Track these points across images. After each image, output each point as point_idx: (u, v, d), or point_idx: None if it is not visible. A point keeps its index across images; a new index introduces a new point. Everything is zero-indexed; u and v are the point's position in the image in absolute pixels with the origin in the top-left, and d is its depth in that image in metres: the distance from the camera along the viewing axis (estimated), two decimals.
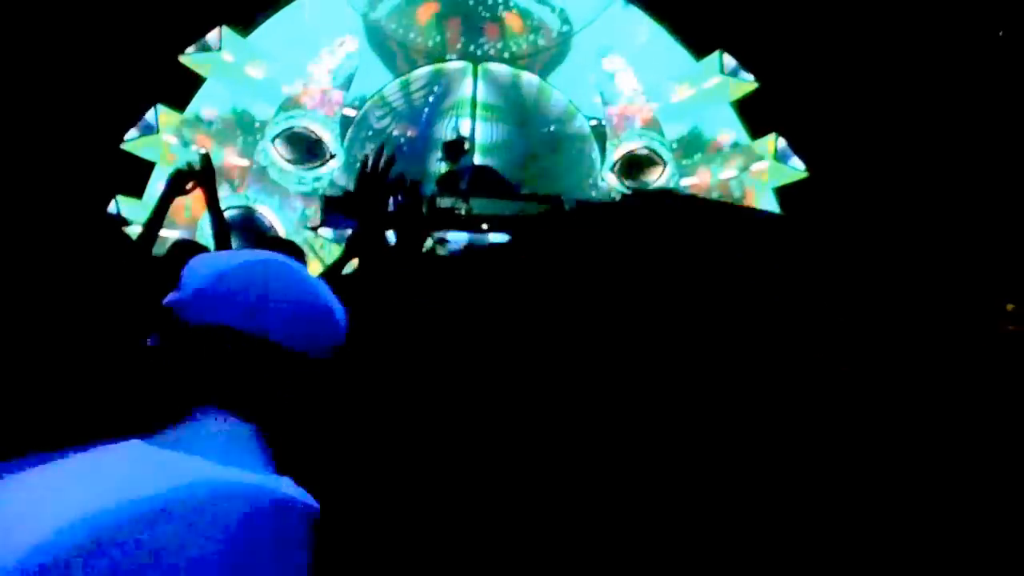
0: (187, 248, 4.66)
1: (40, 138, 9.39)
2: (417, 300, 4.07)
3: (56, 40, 9.51)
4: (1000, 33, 10.19)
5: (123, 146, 10.01)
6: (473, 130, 10.68)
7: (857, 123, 10.02)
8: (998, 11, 9.84)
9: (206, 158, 4.00)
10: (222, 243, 3.99)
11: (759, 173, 10.57)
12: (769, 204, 10.58)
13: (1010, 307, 3.61)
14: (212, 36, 10.18)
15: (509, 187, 10.04)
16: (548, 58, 11.11)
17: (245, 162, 10.42)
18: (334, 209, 9.66)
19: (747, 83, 10.57)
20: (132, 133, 10.05)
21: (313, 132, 10.45)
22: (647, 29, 10.91)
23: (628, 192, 10.35)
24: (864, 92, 10.09)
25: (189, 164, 3.98)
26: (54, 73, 9.48)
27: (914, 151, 10.03)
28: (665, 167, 10.61)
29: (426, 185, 10.51)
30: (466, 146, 9.98)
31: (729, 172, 10.68)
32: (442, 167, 10.20)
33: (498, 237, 9.22)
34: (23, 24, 9.39)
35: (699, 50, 10.73)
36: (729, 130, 10.80)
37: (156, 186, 9.99)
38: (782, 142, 10.48)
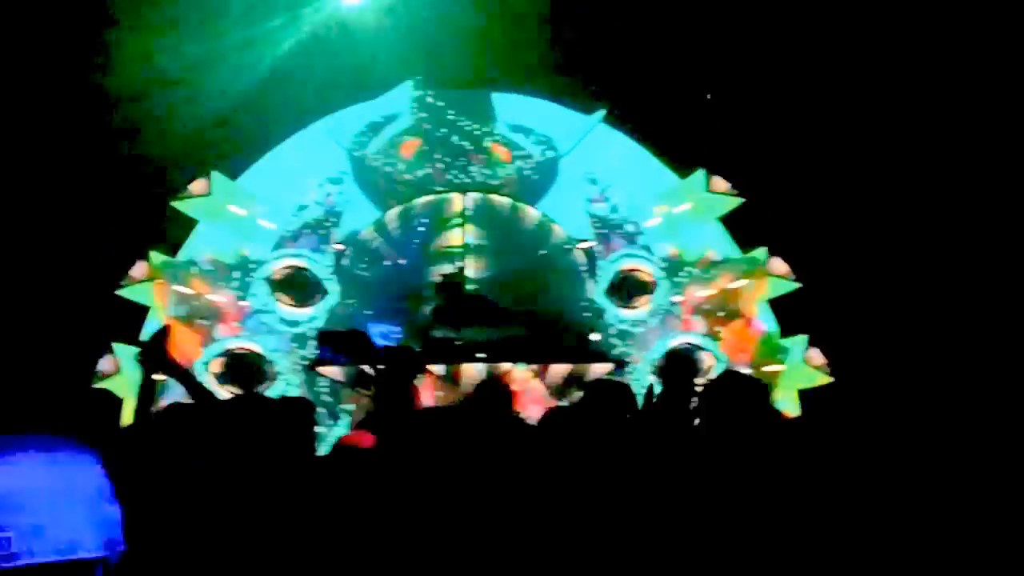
0: (180, 411, 4.70)
1: (36, 286, 9.41)
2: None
3: (50, 188, 9.58)
4: None
5: (119, 292, 9.97)
6: (465, 246, 10.71)
7: (846, 231, 10.15)
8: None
9: (151, 340, 4.28)
10: (201, 400, 4.11)
11: (751, 287, 10.62)
12: (764, 316, 10.65)
13: None
14: (202, 181, 10.23)
15: (504, 314, 10.05)
16: (534, 184, 11.19)
17: (240, 303, 10.38)
18: (329, 343, 9.62)
19: (732, 198, 10.69)
20: (127, 279, 10.01)
21: (305, 270, 10.46)
22: (630, 150, 11.04)
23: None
24: (851, 198, 10.23)
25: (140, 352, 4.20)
26: (48, 223, 9.53)
27: (902, 256, 10.15)
28: (657, 286, 10.66)
29: (420, 312, 10.52)
30: (462, 283, 10.02)
31: (719, 286, 10.72)
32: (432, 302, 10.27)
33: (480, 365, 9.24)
34: (20, 172, 9.46)
35: (682, 167, 10.87)
36: (717, 244, 10.87)
37: (150, 330, 9.98)
38: (775, 259, 10.56)
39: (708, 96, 10.81)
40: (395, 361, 4.87)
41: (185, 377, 4.20)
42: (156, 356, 4.16)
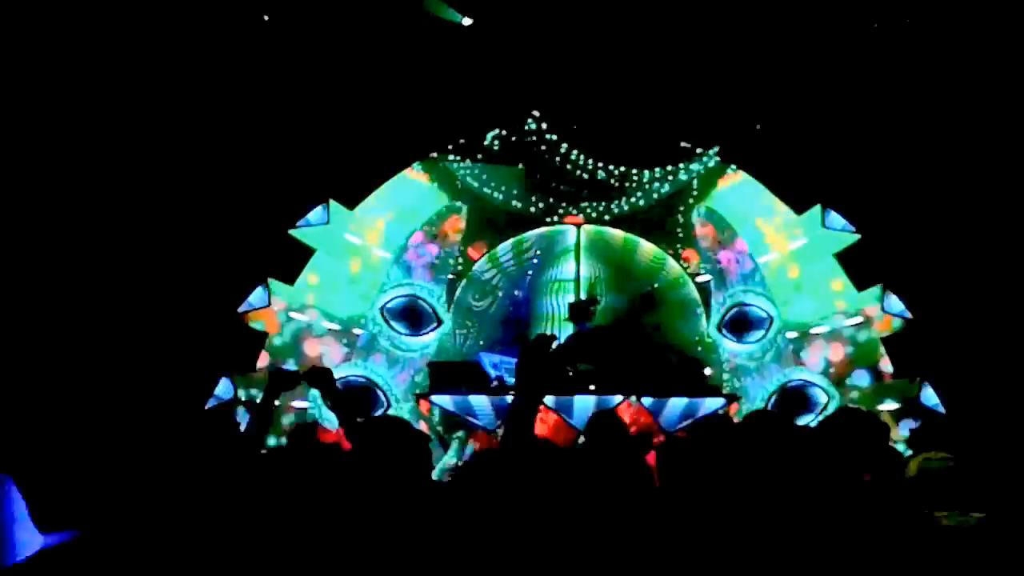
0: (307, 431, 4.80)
1: (154, 313, 9.62)
2: None
3: (166, 219, 9.78)
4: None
5: (238, 318, 10.17)
6: (578, 291, 10.73)
7: (960, 268, 9.95)
8: None
9: (314, 369, 4.36)
10: (349, 429, 4.12)
11: (868, 324, 10.48)
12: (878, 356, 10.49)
13: None
14: (319, 210, 10.40)
15: (618, 347, 10.00)
16: (650, 218, 11.19)
17: (356, 331, 10.53)
18: (442, 376, 9.69)
19: (849, 235, 10.55)
20: (245, 306, 10.20)
21: (420, 299, 10.58)
22: (747, 185, 10.97)
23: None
24: (959, 233, 10.04)
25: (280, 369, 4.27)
26: (164, 254, 9.73)
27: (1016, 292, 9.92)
28: (771, 322, 10.57)
29: (531, 332, 10.56)
30: (594, 307, 9.96)
31: (836, 323, 10.60)
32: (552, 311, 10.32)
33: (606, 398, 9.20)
34: (138, 203, 9.68)
35: (798, 204, 10.76)
36: (834, 281, 10.72)
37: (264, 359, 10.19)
38: (890, 295, 10.40)
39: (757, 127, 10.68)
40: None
41: (340, 402, 4.32)
42: (316, 376, 4.28)
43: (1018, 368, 9.56)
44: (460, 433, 9.80)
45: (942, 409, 10.14)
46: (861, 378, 10.52)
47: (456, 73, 10.23)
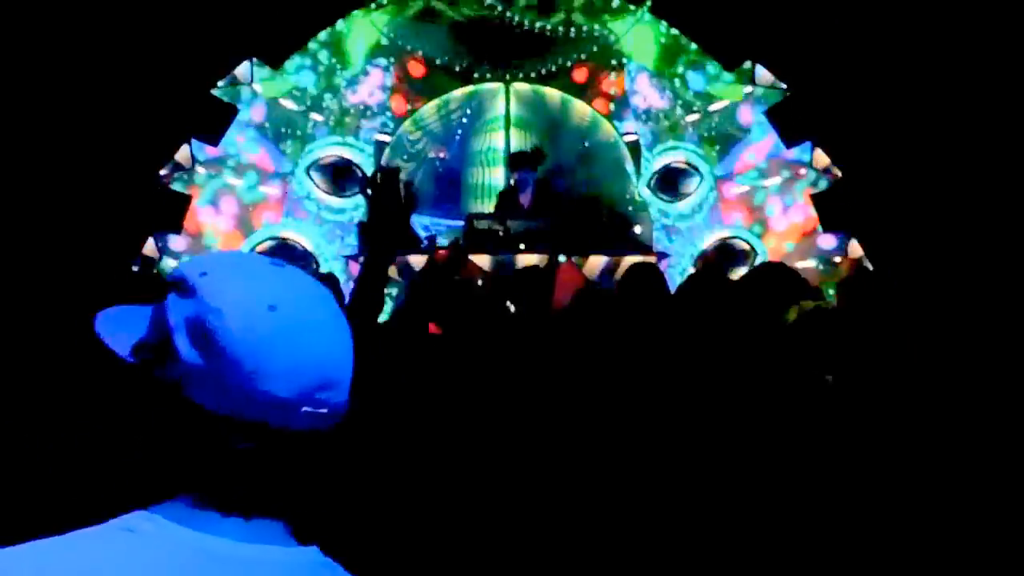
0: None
1: (74, 176, 9.43)
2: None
3: (86, 77, 9.54)
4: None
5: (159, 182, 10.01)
6: (507, 146, 10.67)
7: (891, 128, 9.97)
8: None
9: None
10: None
11: (796, 181, 10.53)
12: (804, 210, 10.54)
13: None
14: (243, 69, 10.18)
15: (565, 202, 9.96)
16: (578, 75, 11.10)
17: (279, 192, 10.41)
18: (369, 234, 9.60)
19: (779, 91, 10.52)
20: (166, 169, 10.04)
21: (347, 159, 10.45)
22: (676, 41, 10.86)
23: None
24: (896, 95, 10.04)
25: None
26: (84, 110, 9.51)
27: (945, 155, 9.97)
28: (702, 179, 10.58)
29: (462, 203, 10.53)
30: (540, 159, 9.85)
31: (767, 181, 10.63)
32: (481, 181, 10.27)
33: (529, 258, 9.19)
34: (54, 61, 9.42)
35: (728, 60, 10.67)
36: (764, 139, 10.72)
37: (193, 219, 10.06)
38: (819, 151, 10.42)
39: None
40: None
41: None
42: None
43: (942, 227, 9.70)
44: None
45: (868, 264, 10.28)
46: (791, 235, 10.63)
47: None
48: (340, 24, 10.61)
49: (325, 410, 1.21)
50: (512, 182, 9.81)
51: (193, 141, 10.07)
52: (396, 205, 2.87)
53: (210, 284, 1.20)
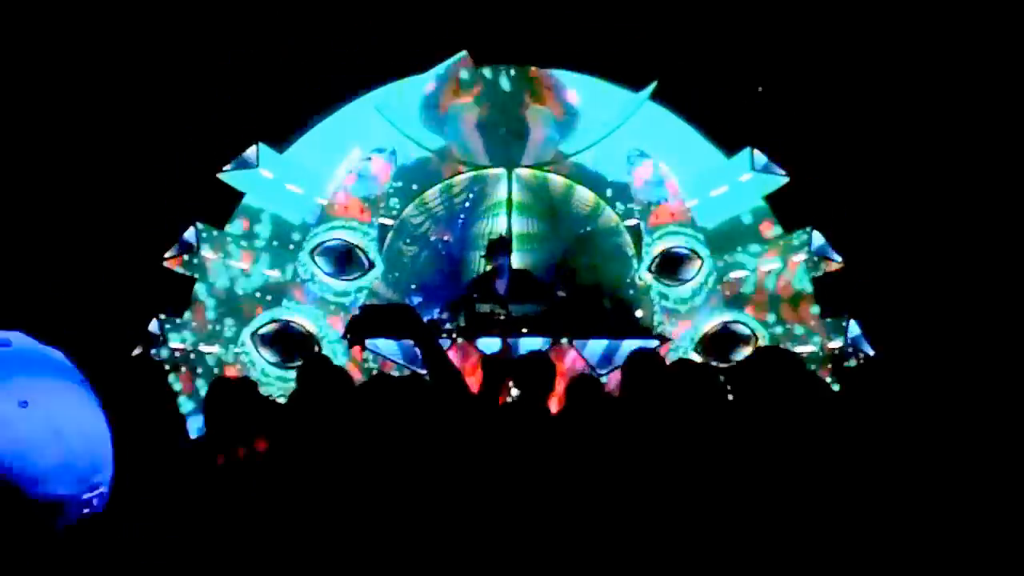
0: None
1: (80, 256, 9.53)
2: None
3: (92, 159, 9.67)
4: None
5: (164, 264, 10.09)
6: (509, 231, 10.75)
7: (890, 212, 10.07)
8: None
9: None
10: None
11: (796, 265, 10.59)
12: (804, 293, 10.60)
13: None
14: (249, 153, 10.31)
15: (547, 289, 10.07)
16: (581, 161, 11.21)
17: (285, 276, 10.47)
18: (373, 321, 9.63)
19: (779, 178, 10.64)
20: (171, 251, 10.12)
21: (350, 243, 10.51)
22: (676, 128, 10.98)
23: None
24: (895, 181, 10.15)
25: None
26: (91, 193, 9.63)
27: (943, 237, 10.05)
28: (702, 264, 10.63)
29: (462, 289, 10.58)
30: (509, 245, 10.04)
31: (766, 267, 10.69)
32: (482, 266, 10.31)
33: (534, 341, 9.22)
34: (60, 143, 9.56)
35: (728, 147, 10.82)
36: (764, 224, 10.82)
37: (195, 303, 10.13)
38: (818, 236, 10.50)
39: (759, 88, 10.70)
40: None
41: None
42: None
43: (944, 310, 9.76)
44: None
45: (870, 349, 10.31)
46: (792, 318, 10.66)
47: (384, 11, 10.20)
48: (344, 109, 10.75)
49: (98, 491, 1.12)
50: (488, 268, 9.99)
51: (198, 223, 10.15)
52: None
53: None
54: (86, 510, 1.09)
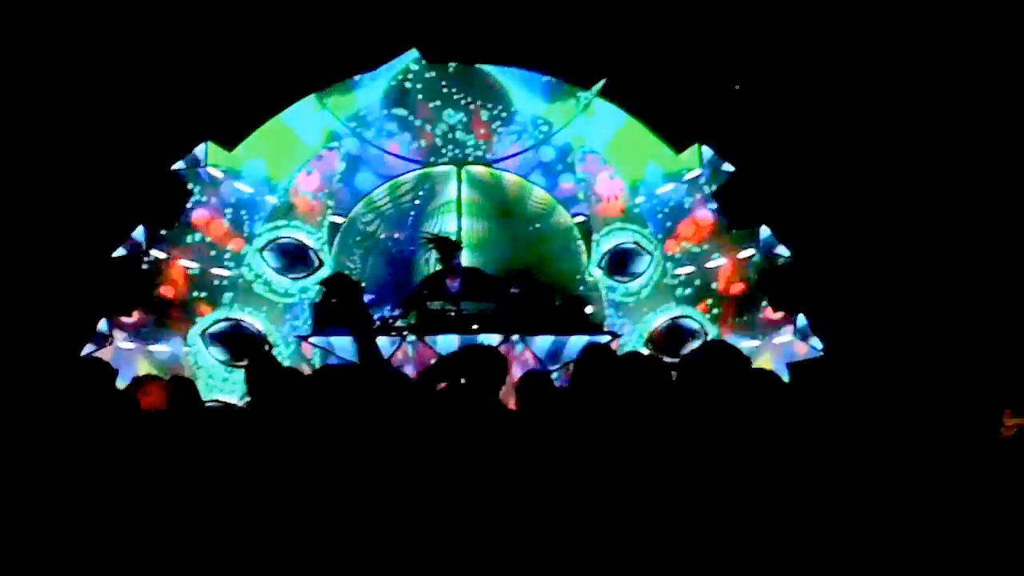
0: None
1: (38, 252, 9.47)
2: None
3: (50, 153, 9.61)
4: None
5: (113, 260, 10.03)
6: (459, 229, 10.75)
7: (839, 208, 10.19)
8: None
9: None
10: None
11: (744, 261, 10.69)
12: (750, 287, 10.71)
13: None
14: (198, 151, 10.27)
15: (499, 287, 10.09)
16: (529, 158, 11.24)
17: (233, 274, 10.42)
18: (324, 318, 9.65)
19: (727, 173, 10.75)
20: (120, 251, 10.06)
21: (300, 241, 10.48)
22: (625, 124, 11.05)
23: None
24: (843, 175, 10.27)
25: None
26: (49, 187, 9.57)
27: (896, 237, 10.19)
28: (651, 259, 10.70)
29: (414, 287, 10.58)
30: (459, 242, 10.08)
31: (714, 262, 10.78)
32: (432, 264, 10.30)
33: (488, 338, 9.23)
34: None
35: (677, 142, 10.89)
36: (711, 220, 10.90)
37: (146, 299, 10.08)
38: (766, 230, 10.61)
39: (736, 87, 10.77)
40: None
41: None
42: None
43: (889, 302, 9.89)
44: None
45: (819, 343, 10.44)
46: (739, 312, 10.77)
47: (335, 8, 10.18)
48: (294, 107, 10.72)
49: None
50: (440, 266, 10.05)
51: (147, 222, 10.10)
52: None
53: None
54: None
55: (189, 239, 10.37)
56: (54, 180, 9.68)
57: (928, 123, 10.19)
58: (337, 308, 3.13)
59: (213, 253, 10.43)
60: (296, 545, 2.87)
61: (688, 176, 10.90)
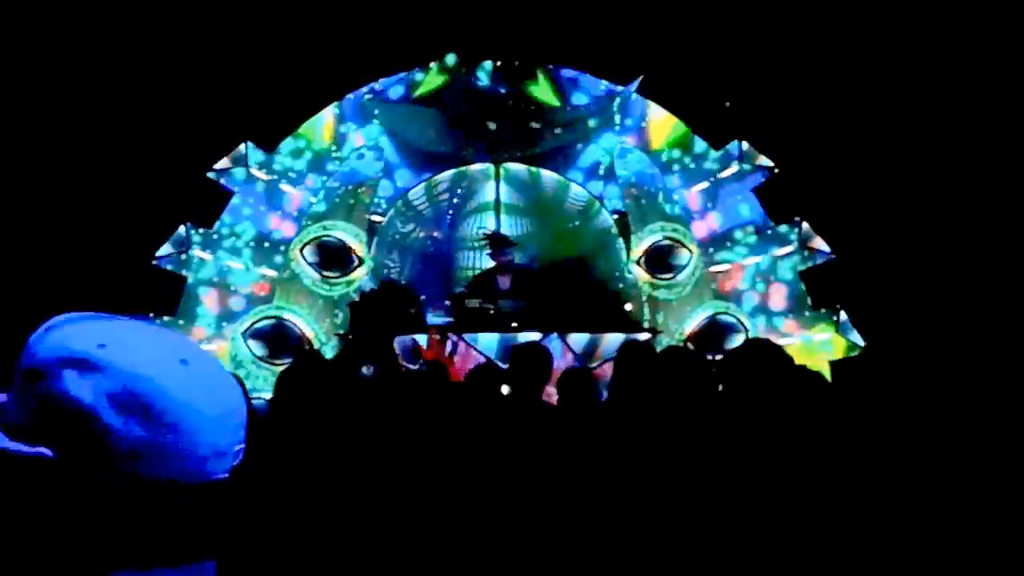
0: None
1: (71, 262, 9.51)
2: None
3: (82, 158, 9.65)
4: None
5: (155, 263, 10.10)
6: (498, 229, 10.75)
7: (877, 203, 10.10)
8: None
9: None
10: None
11: (783, 258, 10.64)
12: (794, 287, 10.64)
13: None
14: (238, 152, 10.33)
15: (542, 284, 10.04)
16: (568, 154, 11.23)
17: (274, 273, 10.48)
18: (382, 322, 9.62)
19: (767, 170, 10.69)
20: (163, 250, 10.13)
21: (340, 240, 10.53)
22: (665, 120, 11.03)
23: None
24: (881, 171, 10.18)
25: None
26: (82, 194, 9.61)
27: (932, 228, 10.09)
28: (691, 256, 10.67)
29: (452, 286, 10.60)
30: (511, 241, 10.06)
31: (754, 259, 10.73)
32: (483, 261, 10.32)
33: (528, 335, 9.22)
34: (52, 144, 9.54)
35: (716, 138, 10.85)
36: (751, 216, 10.85)
37: (188, 300, 10.14)
38: (806, 227, 10.55)
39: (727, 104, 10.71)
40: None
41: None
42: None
43: (936, 302, 9.80)
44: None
45: (861, 340, 10.37)
46: (780, 311, 10.71)
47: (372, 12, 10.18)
48: (335, 105, 10.76)
49: (243, 445, 1.20)
50: (491, 264, 10.03)
51: (188, 223, 10.17)
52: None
53: (117, 353, 1.15)
54: (235, 461, 1.19)
55: (232, 239, 10.43)
56: (94, 182, 9.72)
57: (975, 123, 10.07)
58: (404, 316, 3.13)
59: (254, 252, 10.51)
60: (341, 538, 2.89)
61: (728, 171, 10.83)
